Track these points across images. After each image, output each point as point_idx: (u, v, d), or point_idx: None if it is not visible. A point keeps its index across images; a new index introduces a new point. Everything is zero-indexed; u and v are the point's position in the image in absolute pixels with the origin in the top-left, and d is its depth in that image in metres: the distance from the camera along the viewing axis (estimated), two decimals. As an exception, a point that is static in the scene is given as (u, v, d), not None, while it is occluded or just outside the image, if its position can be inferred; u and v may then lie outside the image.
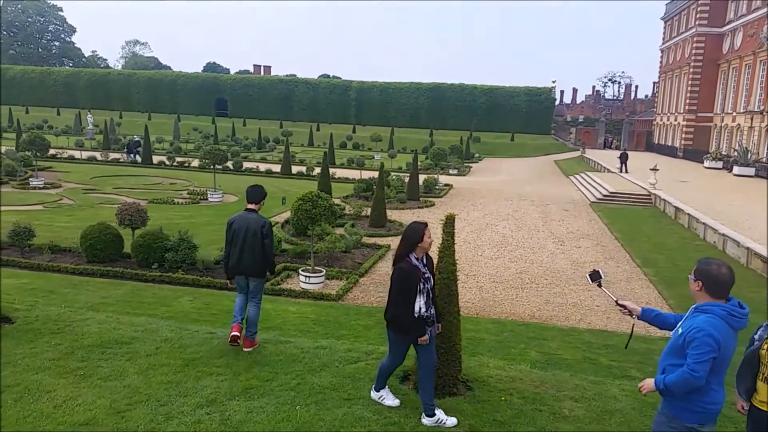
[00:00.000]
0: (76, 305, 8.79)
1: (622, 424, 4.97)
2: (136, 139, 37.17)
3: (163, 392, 5.06)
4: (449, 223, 5.37)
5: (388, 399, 5.14)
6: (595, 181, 31.81)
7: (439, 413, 4.84)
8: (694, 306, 3.61)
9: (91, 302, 9.44)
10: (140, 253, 12.09)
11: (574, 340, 9.25)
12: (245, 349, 6.34)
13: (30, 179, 24.00)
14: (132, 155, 34.85)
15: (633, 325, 4.27)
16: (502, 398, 5.35)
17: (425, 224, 4.90)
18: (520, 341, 9.01)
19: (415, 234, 4.81)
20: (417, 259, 4.80)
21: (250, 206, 6.53)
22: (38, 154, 24.59)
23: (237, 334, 6.45)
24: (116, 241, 12.59)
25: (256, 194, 6.55)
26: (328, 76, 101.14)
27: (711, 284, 3.52)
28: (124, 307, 9.15)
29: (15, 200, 19.83)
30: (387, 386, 5.21)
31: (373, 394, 5.22)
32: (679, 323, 3.66)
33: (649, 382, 3.63)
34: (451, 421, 4.81)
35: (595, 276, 4.31)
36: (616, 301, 4.07)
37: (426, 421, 4.81)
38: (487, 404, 5.13)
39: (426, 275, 4.82)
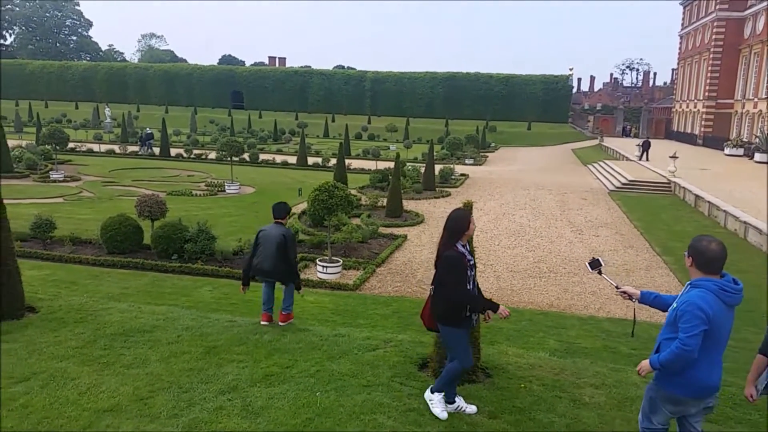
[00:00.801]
0: (98, 296, 8.92)
1: (643, 412, 4.93)
2: (149, 131, 37.74)
3: (185, 379, 5.12)
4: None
5: (469, 407, 4.81)
6: (613, 169, 31.48)
7: (459, 400, 4.84)
8: (688, 282, 3.64)
9: (113, 293, 9.57)
10: (160, 245, 12.21)
11: (594, 329, 9.20)
12: (280, 323, 6.80)
13: (50, 172, 24.35)
14: (146, 147, 35.35)
15: (634, 309, 4.42)
16: (522, 385, 5.34)
17: (470, 211, 4.74)
18: (538, 330, 8.98)
19: (462, 222, 4.59)
20: (462, 246, 4.63)
21: (277, 221, 7.01)
22: (58, 147, 24.95)
23: (267, 322, 6.83)
24: (136, 232, 12.73)
25: (281, 210, 7.06)
26: (343, 67, 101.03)
27: (701, 259, 3.54)
28: (145, 298, 9.26)
29: (36, 193, 20.13)
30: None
31: (448, 408, 4.77)
32: (675, 300, 3.69)
33: (645, 364, 3.66)
34: (471, 408, 4.81)
35: (594, 264, 4.31)
36: (616, 287, 4.09)
37: (427, 395, 4.82)
38: (506, 391, 5.12)
39: (471, 262, 4.67)
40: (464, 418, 4.70)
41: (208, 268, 11.60)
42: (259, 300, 7.16)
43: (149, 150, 35.18)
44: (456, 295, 4.51)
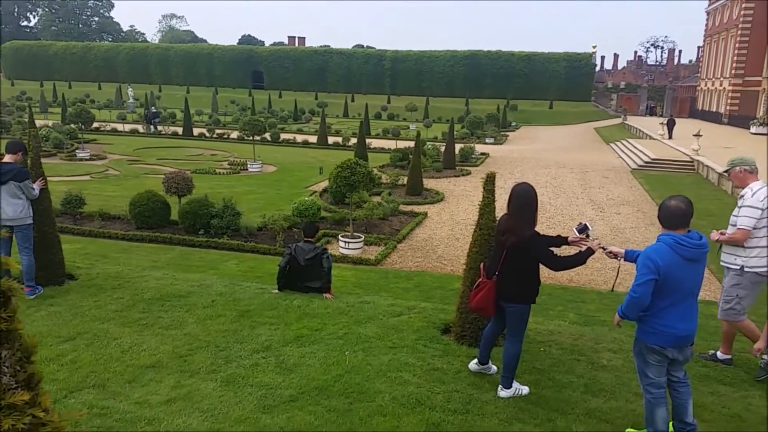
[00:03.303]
0: (129, 267, 9.24)
1: (660, 375, 5.10)
2: (154, 110, 38.29)
3: (221, 339, 5.41)
4: (489, 181, 5.50)
5: (494, 367, 4.94)
6: (636, 147, 31.20)
7: (490, 363, 5.03)
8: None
9: (143, 265, 9.87)
10: (187, 220, 12.53)
11: (613, 303, 9.27)
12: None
13: (76, 151, 24.88)
14: (151, 126, 35.88)
15: (618, 267, 4.73)
16: (542, 349, 5.54)
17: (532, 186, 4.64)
18: (558, 303, 9.12)
19: (534, 198, 4.56)
20: None
21: (307, 239, 7.35)
22: (83, 126, 25.44)
23: None
24: (163, 208, 13.04)
25: (312, 230, 7.45)
26: (363, 47, 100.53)
27: (661, 215, 3.86)
28: (175, 270, 9.53)
29: (63, 171, 20.61)
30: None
31: (478, 367, 4.94)
32: None
33: (616, 315, 4.03)
34: (494, 368, 4.98)
35: (582, 229, 4.53)
36: (602, 248, 4.35)
37: (503, 393, 4.67)
38: (526, 354, 5.30)
39: None
40: (486, 378, 4.93)
41: (234, 242, 11.89)
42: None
43: (154, 128, 35.72)
44: (560, 264, 4.50)
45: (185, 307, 6.20)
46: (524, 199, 4.55)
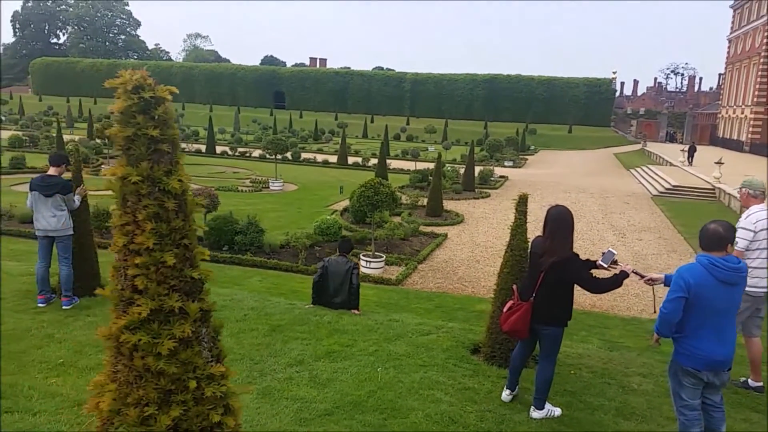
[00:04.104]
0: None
1: (691, 401, 5.08)
2: None
3: (255, 353, 5.50)
4: (522, 202, 5.58)
5: (557, 410, 4.75)
6: (657, 174, 31.07)
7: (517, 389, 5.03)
8: None
9: (170, 279, 10.03)
10: (212, 236, 12.70)
11: (637, 329, 9.24)
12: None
13: (102, 166, 25.34)
14: None
15: (653, 288, 4.66)
16: (572, 372, 5.55)
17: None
18: (581, 329, 9.07)
19: (571, 220, 4.60)
20: None
21: (342, 254, 7.64)
22: (109, 142, 25.97)
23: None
24: (189, 223, 13.24)
25: (347, 246, 7.87)
26: (383, 68, 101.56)
27: (701, 237, 3.91)
28: (201, 284, 9.69)
29: (89, 185, 20.87)
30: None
31: (537, 414, 4.70)
32: None
33: (654, 333, 4.06)
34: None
35: (607, 257, 4.54)
36: (636, 273, 4.39)
37: (536, 414, 4.68)
38: (557, 376, 5.30)
39: None
40: (518, 398, 4.95)
41: (257, 259, 12.02)
42: (307, 291, 7.54)
43: None
44: (599, 287, 4.49)
45: (218, 320, 6.28)
46: (561, 221, 4.59)
